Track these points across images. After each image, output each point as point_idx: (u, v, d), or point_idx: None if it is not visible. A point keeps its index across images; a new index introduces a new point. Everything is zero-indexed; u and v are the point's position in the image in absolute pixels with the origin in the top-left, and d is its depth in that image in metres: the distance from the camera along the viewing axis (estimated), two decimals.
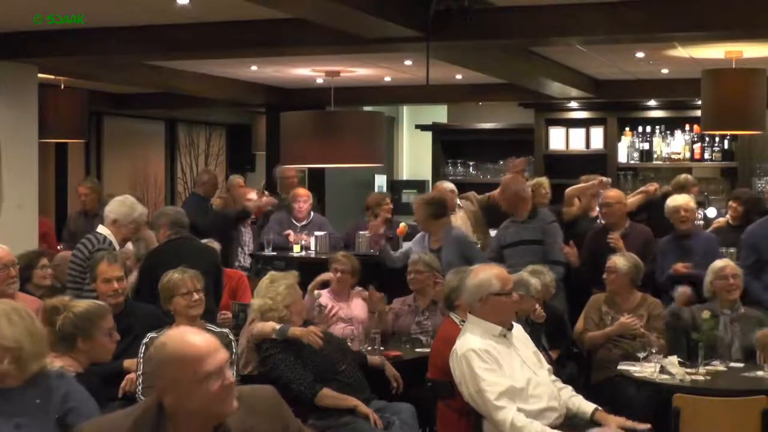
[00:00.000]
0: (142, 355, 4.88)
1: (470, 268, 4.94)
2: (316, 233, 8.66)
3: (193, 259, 5.88)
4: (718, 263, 6.18)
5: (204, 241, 7.13)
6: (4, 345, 3.39)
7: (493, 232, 8.10)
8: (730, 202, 7.89)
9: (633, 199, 8.10)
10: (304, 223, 8.90)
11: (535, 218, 7.35)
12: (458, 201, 8.53)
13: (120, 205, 6.21)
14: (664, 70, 9.38)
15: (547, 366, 4.71)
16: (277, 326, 5.23)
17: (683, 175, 8.87)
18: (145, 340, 4.91)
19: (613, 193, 7.53)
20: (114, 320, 4.22)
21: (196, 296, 5.15)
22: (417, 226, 7.77)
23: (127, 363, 4.86)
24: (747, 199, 7.83)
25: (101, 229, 6.16)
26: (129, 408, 2.86)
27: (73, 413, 3.36)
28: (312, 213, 9.02)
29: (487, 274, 4.58)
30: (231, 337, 5.19)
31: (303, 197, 8.94)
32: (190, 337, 2.69)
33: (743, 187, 10.31)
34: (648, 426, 4.52)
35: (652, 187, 8.33)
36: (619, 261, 6.34)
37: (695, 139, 10.74)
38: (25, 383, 3.42)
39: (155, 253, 6.52)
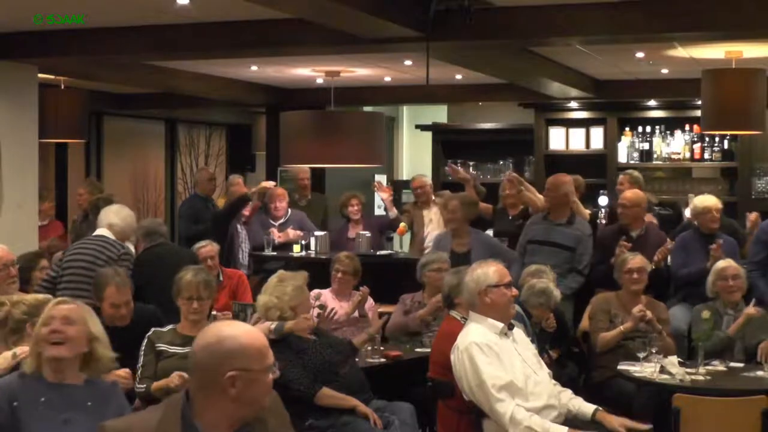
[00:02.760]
0: (143, 349, 4.93)
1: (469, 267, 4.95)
2: (316, 233, 8.67)
3: (171, 262, 5.96)
4: (720, 264, 6.17)
5: (203, 242, 7.12)
6: (95, 334, 3.61)
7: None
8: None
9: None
10: (282, 221, 8.93)
11: (573, 225, 7.31)
12: (433, 197, 8.56)
13: (124, 218, 6.30)
14: (664, 70, 9.38)
15: (546, 369, 4.72)
16: (273, 326, 5.23)
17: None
18: (148, 334, 4.98)
19: (631, 195, 7.35)
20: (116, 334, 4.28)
21: (195, 304, 5.13)
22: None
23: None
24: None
25: (105, 232, 6.13)
26: (152, 407, 2.88)
27: None
28: (289, 210, 9.05)
29: (483, 268, 4.63)
30: None
31: (280, 196, 8.97)
32: (253, 331, 2.81)
33: (743, 187, 10.34)
34: (649, 426, 4.53)
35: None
36: (645, 262, 6.31)
37: (695, 139, 10.73)
38: (83, 383, 3.56)
39: (135, 261, 6.56)
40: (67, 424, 3.43)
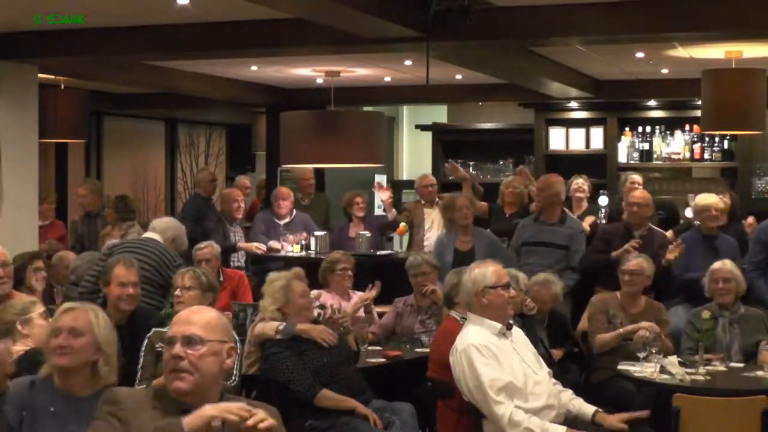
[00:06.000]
0: (144, 350, 4.93)
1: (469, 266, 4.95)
2: (316, 233, 8.66)
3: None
4: (715, 265, 6.16)
5: (203, 244, 7.11)
6: (101, 344, 3.51)
7: None
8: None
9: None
10: (286, 221, 8.90)
11: (564, 223, 7.33)
12: (437, 198, 8.60)
13: (179, 226, 6.39)
14: (664, 70, 9.39)
15: (546, 369, 4.72)
16: (281, 326, 5.22)
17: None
18: (149, 335, 4.98)
19: (640, 194, 7.31)
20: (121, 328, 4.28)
21: (177, 292, 5.28)
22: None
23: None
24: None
25: (155, 236, 6.15)
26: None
27: None
28: (294, 211, 9.02)
29: (482, 269, 4.64)
30: (236, 337, 5.20)
31: (284, 195, 8.94)
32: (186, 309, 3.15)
33: (743, 187, 10.34)
34: (647, 412, 4.56)
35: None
36: (645, 263, 6.27)
37: (695, 139, 10.74)
38: (93, 395, 3.45)
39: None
40: None
